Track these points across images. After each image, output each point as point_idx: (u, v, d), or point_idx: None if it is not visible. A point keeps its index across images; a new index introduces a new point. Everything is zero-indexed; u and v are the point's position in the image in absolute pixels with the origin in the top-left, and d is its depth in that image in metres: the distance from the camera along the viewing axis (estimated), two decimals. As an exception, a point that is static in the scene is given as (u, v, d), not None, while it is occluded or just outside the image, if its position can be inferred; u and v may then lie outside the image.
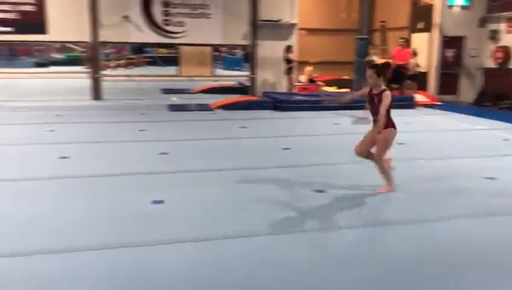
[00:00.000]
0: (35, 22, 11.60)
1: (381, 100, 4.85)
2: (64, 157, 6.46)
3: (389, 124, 4.95)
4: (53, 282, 3.18)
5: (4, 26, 11.50)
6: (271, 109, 11.19)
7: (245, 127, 9.10)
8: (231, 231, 4.05)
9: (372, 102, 5.00)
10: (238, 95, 12.88)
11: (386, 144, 5.01)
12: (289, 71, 12.79)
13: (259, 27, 12.63)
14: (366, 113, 5.18)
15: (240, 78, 15.11)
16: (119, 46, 23.14)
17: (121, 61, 22.89)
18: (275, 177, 5.68)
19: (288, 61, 12.69)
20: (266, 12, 12.67)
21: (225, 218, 4.37)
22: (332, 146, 7.47)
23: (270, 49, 12.79)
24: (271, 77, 13.17)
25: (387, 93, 4.88)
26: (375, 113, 4.97)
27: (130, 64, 23.79)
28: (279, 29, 12.76)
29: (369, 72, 4.97)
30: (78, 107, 11.11)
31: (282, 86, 13.13)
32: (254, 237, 3.95)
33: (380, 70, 5.01)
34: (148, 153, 6.86)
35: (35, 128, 8.55)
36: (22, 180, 5.39)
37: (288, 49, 12.66)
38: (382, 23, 16.09)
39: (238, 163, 6.33)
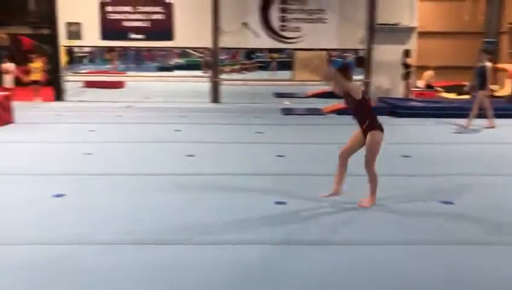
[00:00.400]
0: (163, 29, 12.58)
1: (353, 98, 4.58)
2: (190, 156, 6.92)
3: (375, 125, 4.61)
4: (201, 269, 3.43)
5: (137, 34, 12.63)
6: (387, 115, 10.87)
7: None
8: (345, 237, 4.04)
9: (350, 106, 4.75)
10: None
11: (373, 148, 4.61)
12: (407, 76, 12.35)
13: (376, 31, 12.38)
14: None
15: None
16: (233, 51, 24.09)
17: (235, 66, 23.82)
18: (396, 185, 5.53)
19: (406, 66, 12.27)
20: (384, 16, 12.38)
21: (339, 225, 4.37)
22: (454, 155, 7.07)
23: (386, 54, 12.48)
24: (386, 82, 12.83)
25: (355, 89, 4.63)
26: (356, 115, 4.70)
27: (243, 69, 24.66)
28: (397, 33, 12.39)
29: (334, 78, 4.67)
30: (199, 109, 11.80)
31: (398, 92, 12.71)
32: (382, 245, 3.90)
33: (343, 71, 4.66)
34: (266, 155, 7.07)
35: (163, 128, 9.26)
36: (153, 175, 5.88)
37: (407, 53, 12.23)
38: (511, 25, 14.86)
39: (355, 169, 6.26)
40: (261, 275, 3.37)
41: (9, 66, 12.91)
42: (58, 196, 4.98)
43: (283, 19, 12.66)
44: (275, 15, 12.62)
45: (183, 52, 26.63)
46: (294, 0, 12.54)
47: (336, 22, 12.61)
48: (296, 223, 4.36)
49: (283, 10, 12.59)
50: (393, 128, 9.73)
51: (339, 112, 11.15)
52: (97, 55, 27.52)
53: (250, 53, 27.61)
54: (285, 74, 17.19)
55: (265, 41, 12.86)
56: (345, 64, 5.19)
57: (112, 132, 8.85)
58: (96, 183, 5.49)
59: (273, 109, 11.92)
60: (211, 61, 13.80)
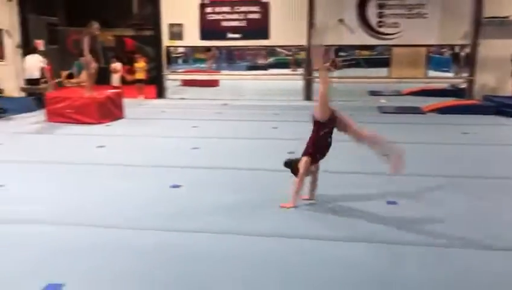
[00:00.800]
0: (260, 28, 12.81)
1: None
2: (291, 152, 6.99)
3: (308, 150, 4.56)
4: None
5: (234, 33, 12.99)
6: (493, 114, 10.22)
7: (467, 133, 8.51)
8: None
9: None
10: (451, 98, 12.10)
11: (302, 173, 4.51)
12: (516, 73, 11.48)
13: (483, 25, 11.64)
14: None
15: (454, 80, 14.17)
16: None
17: (326, 64, 23.61)
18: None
19: (516, 62, 11.40)
20: (492, 9, 11.60)
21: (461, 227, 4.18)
22: None
23: (493, 49, 11.68)
24: (492, 80, 12.02)
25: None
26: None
27: (332, 66, 24.34)
28: (508, 26, 11.54)
29: None
30: (293, 107, 11.87)
31: (506, 90, 11.85)
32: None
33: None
34: (369, 153, 6.94)
35: (261, 125, 9.45)
36: (262, 170, 6.02)
37: (519, 48, 11.37)
38: None
39: (463, 170, 5.98)
40: (387, 278, 3.34)
41: (117, 65, 13.90)
42: (175, 186, 5.28)
43: (381, 15, 12.33)
44: (372, 11, 12.33)
45: (271, 50, 26.84)
46: (394, -5, 12.17)
47: (437, 16, 12.03)
48: (409, 224, 4.26)
49: (381, 6, 12.26)
50: (499, 128, 9.16)
51: (441, 110, 10.69)
52: (190, 55, 28.59)
53: (338, 51, 27.13)
54: (378, 72, 16.71)
55: (360, 37, 12.61)
56: None
57: (213, 128, 9.19)
58: (207, 177, 5.74)
59: (369, 107, 11.67)
60: (303, 59, 13.80)
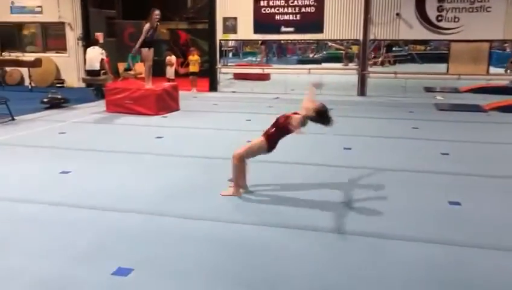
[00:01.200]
0: (314, 22, 12.70)
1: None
2: (347, 149, 6.93)
3: (269, 138, 4.75)
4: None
5: (288, 27, 12.94)
6: None
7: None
8: None
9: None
10: (515, 97, 11.54)
11: (252, 148, 4.79)
12: None
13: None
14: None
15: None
16: (376, 44, 23.34)
17: (379, 59, 23.11)
18: None
19: None
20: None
21: None
22: None
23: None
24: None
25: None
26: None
27: (385, 62, 23.81)
28: None
29: None
30: (347, 102, 11.72)
31: None
32: None
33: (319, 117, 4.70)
34: (428, 151, 6.77)
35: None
36: (320, 165, 5.99)
37: None
38: None
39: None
40: (451, 277, 3.25)
41: (172, 58, 14.18)
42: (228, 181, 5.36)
43: (440, 9, 11.90)
44: (431, 4, 11.92)
45: (322, 44, 26.56)
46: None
47: (502, 10, 11.49)
48: (472, 225, 4.12)
49: (441, -1, 11.86)
50: None
51: (503, 109, 10.22)
52: (240, 49, 28.75)
53: (390, 46, 26.47)
54: (433, 67, 16.17)
55: (418, 32, 12.24)
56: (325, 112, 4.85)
57: (266, 121, 9.18)
58: (261, 170, 5.77)
59: (426, 104, 11.34)
60: (357, 54, 13.57)
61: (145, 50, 9.77)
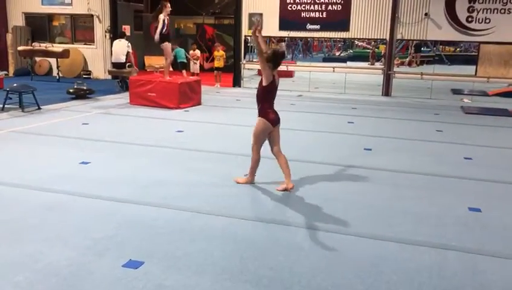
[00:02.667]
0: (340, 20, 12.57)
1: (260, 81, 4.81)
2: (368, 149, 6.83)
3: (263, 112, 4.79)
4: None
5: (313, 24, 12.84)
6: None
7: None
8: None
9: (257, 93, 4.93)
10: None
11: (255, 134, 4.89)
12: None
13: None
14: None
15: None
16: (404, 44, 22.97)
17: (405, 60, 22.74)
18: None
19: None
20: None
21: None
22: None
23: None
24: None
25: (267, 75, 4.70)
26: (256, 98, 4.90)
27: (412, 62, 23.42)
28: None
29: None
30: (371, 102, 11.58)
31: None
32: None
33: (275, 57, 4.73)
34: (451, 155, 6.62)
35: (336, 118, 9.30)
36: (338, 165, 5.93)
37: None
38: None
39: None
40: (466, 284, 3.17)
41: (197, 52, 14.25)
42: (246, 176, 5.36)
43: (471, 9, 11.61)
44: (461, 5, 11.65)
45: (349, 43, 26.28)
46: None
47: (536, 12, 11.16)
48: (491, 232, 4.00)
49: (472, 0, 11.55)
50: None
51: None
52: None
53: (418, 46, 26.01)
54: (462, 69, 15.81)
55: (447, 33, 11.98)
56: (281, 52, 5.00)
57: (288, 119, 9.09)
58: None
59: (452, 107, 11.12)
60: (384, 53, 13.36)
61: (165, 44, 9.81)
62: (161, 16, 9.57)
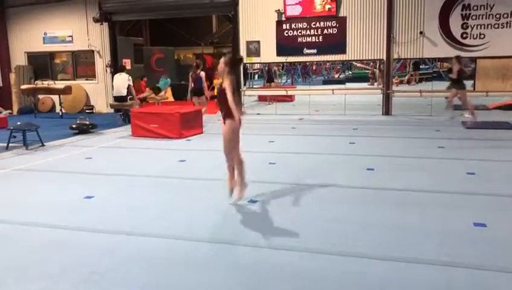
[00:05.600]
0: (337, 43, 12.75)
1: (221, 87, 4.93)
2: (370, 169, 6.83)
3: (228, 115, 4.94)
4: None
5: (310, 49, 13.02)
6: None
7: None
8: None
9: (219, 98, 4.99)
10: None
11: (225, 134, 5.05)
12: None
13: None
14: None
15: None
16: (402, 62, 23.18)
17: (404, 78, 22.91)
18: None
19: None
20: None
21: None
22: None
23: None
24: None
25: (228, 81, 4.86)
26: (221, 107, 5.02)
27: (411, 80, 23.59)
28: None
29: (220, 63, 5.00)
30: (372, 122, 11.62)
31: None
32: None
33: (227, 60, 5.01)
34: (454, 171, 6.61)
35: (338, 140, 9.33)
36: (329, 185, 5.93)
37: None
38: None
39: None
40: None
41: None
42: (252, 201, 5.36)
43: (465, 26, 11.77)
44: (455, 22, 11.81)
45: (347, 64, 26.55)
46: (479, 6, 11.59)
47: (528, 25, 11.30)
48: (497, 247, 3.97)
49: (465, 16, 11.73)
50: None
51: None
52: (264, 72, 29.05)
53: (416, 64, 26.24)
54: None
55: (443, 50, 12.11)
56: (239, 58, 5.79)
57: (289, 143, 9.21)
58: (285, 192, 5.75)
59: (453, 122, 11.13)
60: (381, 73, 13.49)
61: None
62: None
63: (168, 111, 10.18)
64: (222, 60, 5.11)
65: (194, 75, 11.69)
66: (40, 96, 16.05)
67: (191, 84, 11.79)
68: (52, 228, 4.71)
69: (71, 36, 15.83)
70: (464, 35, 11.86)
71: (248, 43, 13.52)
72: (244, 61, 13.72)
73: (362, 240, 4.21)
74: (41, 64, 16.57)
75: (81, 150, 8.98)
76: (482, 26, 11.68)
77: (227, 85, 4.92)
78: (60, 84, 15.04)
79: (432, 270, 3.58)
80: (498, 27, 11.57)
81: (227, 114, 5.04)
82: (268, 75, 17.71)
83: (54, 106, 16.01)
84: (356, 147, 8.61)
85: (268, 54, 13.33)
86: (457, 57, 10.69)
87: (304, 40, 13.04)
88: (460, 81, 10.68)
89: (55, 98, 15.31)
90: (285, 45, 13.18)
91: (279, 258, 3.88)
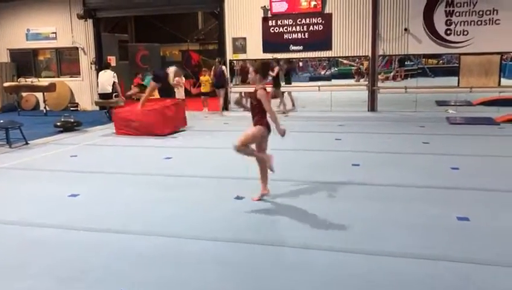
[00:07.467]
0: (323, 40, 12.79)
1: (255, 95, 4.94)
2: (356, 165, 6.88)
3: (262, 121, 5.03)
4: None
5: (296, 46, 13.05)
6: None
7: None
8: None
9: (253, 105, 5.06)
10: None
11: (251, 136, 5.06)
12: None
13: None
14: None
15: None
16: (387, 59, 23.32)
17: (389, 74, 23.04)
18: None
19: None
20: None
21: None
22: None
23: None
24: None
25: (263, 92, 4.92)
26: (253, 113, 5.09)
27: (396, 76, 23.75)
28: None
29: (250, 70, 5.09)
30: (358, 118, 11.69)
31: None
32: None
33: (258, 68, 5.07)
34: (438, 166, 6.69)
35: (324, 136, 9.37)
36: (314, 181, 5.97)
37: None
38: None
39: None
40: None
41: (181, 79, 14.37)
42: (238, 198, 5.37)
43: (449, 22, 11.90)
44: (439, 19, 11.93)
45: (333, 61, 26.63)
46: (463, 2, 11.72)
47: (511, 22, 11.45)
48: (480, 240, 4.03)
49: (449, 13, 11.85)
50: None
51: (516, 121, 10.10)
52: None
53: (402, 60, 26.43)
54: (445, 81, 16.04)
55: (427, 46, 12.23)
56: (267, 63, 5.98)
57: (275, 139, 9.18)
58: (274, 188, 5.76)
59: (437, 118, 11.27)
60: (366, 70, 13.58)
61: (153, 84, 10.47)
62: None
63: (149, 108, 10.11)
64: (251, 68, 5.11)
65: (215, 70, 12.83)
66: (24, 94, 15.83)
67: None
68: (37, 227, 4.66)
69: (55, 33, 15.63)
70: (448, 32, 11.99)
71: (234, 39, 13.51)
72: (231, 58, 13.73)
73: (348, 234, 4.24)
74: (24, 62, 16.33)
75: (66, 148, 8.88)
76: (466, 22, 11.82)
77: (262, 95, 4.93)
78: (43, 82, 14.85)
79: (416, 264, 3.62)
80: (481, 24, 11.71)
81: (258, 121, 5.07)
82: (242, 74, 17.31)
83: (38, 104, 15.80)
84: (342, 143, 8.66)
85: (255, 50, 13.32)
86: (276, 60, 12.61)
87: (290, 37, 13.06)
88: (277, 82, 12.45)
89: (39, 95, 15.12)
90: (271, 42, 13.19)
91: (260, 252, 3.90)
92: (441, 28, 12.00)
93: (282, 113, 12.13)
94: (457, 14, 11.83)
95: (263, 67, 5.16)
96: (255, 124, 5.10)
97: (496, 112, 11.30)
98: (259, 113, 5.06)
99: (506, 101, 12.75)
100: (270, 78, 12.55)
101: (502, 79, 14.73)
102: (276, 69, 12.42)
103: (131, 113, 10.08)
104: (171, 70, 10.57)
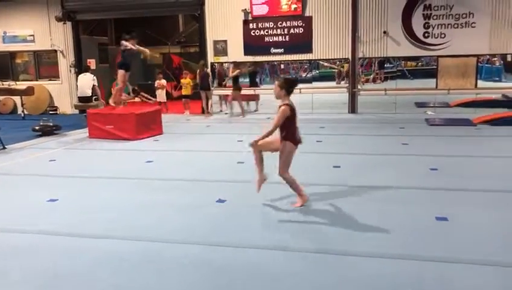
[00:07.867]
0: (303, 42, 12.87)
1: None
2: (337, 167, 6.94)
3: (288, 137, 5.01)
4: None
5: (277, 48, 13.11)
6: None
7: (522, 146, 8.16)
8: None
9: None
10: (504, 110, 11.65)
11: (284, 157, 5.06)
12: None
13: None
14: None
15: (506, 90, 13.64)
16: (367, 62, 23.57)
17: (370, 76, 23.32)
18: None
19: None
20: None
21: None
22: None
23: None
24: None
25: (283, 108, 4.91)
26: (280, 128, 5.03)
27: (376, 79, 24.04)
28: None
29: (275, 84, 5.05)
30: (338, 120, 11.79)
31: None
32: None
33: (282, 83, 5.00)
34: (417, 167, 6.79)
35: (304, 138, 9.38)
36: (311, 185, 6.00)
37: None
38: None
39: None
40: (434, 292, 3.23)
41: (162, 81, 14.32)
42: (220, 201, 5.37)
43: (427, 25, 12.10)
44: (417, 22, 12.13)
45: (314, 64, 26.82)
46: (440, 6, 11.94)
47: (486, 25, 11.71)
48: (459, 240, 4.11)
49: (427, 16, 12.06)
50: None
51: (492, 122, 10.30)
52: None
53: (382, 63, 26.76)
54: (424, 83, 16.31)
55: (406, 49, 12.42)
56: (292, 79, 5.81)
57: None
58: (253, 191, 5.77)
59: (416, 119, 11.43)
60: (347, 72, 13.71)
61: (121, 71, 10.00)
62: (129, 44, 9.79)
63: (124, 112, 10.00)
64: (276, 82, 5.06)
65: (200, 72, 13.06)
66: (1, 98, 15.53)
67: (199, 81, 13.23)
68: (14, 233, 4.58)
69: (33, 35, 15.40)
70: (426, 35, 12.18)
71: (215, 42, 13.49)
72: (212, 60, 13.72)
73: (337, 237, 4.27)
74: (1, 65, 16.03)
75: (45, 153, 8.75)
76: (443, 25, 12.03)
77: (281, 110, 4.93)
78: (21, 85, 14.59)
79: (397, 265, 3.67)
80: (458, 27, 11.93)
81: (287, 136, 5.05)
82: (219, 77, 17.07)
83: (15, 107, 15.53)
84: (323, 145, 8.72)
85: (236, 53, 13.32)
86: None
87: (271, 40, 13.11)
88: (237, 85, 13.14)
89: (17, 99, 14.86)
90: (252, 44, 13.21)
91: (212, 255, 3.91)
92: (419, 30, 12.19)
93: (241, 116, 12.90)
94: (435, 17, 12.03)
95: (288, 83, 5.08)
96: (282, 140, 5.09)
97: (473, 113, 11.52)
98: (285, 128, 5.04)
99: (482, 103, 13.04)
100: (229, 80, 13.61)
101: (479, 81, 15.10)
102: (236, 72, 13.08)
103: (107, 117, 9.96)
104: (124, 43, 10.13)
